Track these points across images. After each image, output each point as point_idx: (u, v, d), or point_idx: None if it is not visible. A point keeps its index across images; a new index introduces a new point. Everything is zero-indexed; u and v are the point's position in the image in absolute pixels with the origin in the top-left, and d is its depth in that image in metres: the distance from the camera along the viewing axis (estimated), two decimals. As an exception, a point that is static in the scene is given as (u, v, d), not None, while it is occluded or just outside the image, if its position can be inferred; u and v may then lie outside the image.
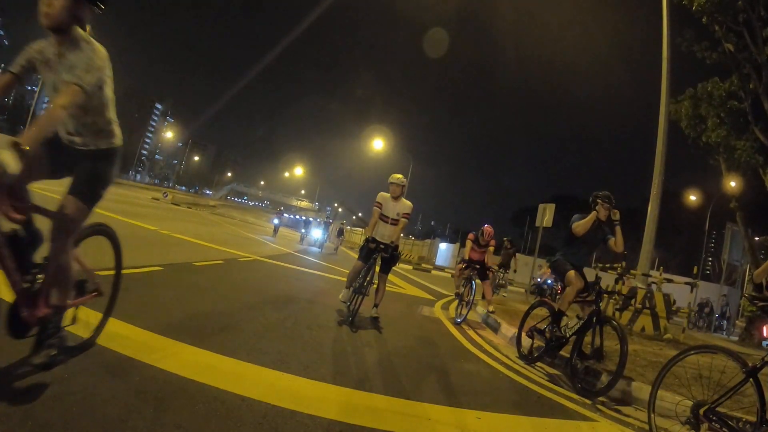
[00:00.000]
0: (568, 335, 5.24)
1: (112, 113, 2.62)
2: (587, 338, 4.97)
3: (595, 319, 4.93)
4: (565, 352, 5.34)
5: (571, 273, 5.33)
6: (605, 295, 5.36)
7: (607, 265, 11.78)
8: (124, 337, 3.28)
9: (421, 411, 3.27)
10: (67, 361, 2.57)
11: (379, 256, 6.14)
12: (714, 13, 13.52)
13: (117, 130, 2.67)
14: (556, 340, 5.33)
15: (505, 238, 15.78)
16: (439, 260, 34.56)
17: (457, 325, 7.58)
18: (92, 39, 2.41)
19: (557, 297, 11.17)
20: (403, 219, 6.26)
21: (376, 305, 6.31)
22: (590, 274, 5.90)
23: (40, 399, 2.18)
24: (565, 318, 5.43)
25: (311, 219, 35.31)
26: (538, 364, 5.62)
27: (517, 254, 15.82)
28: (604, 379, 4.75)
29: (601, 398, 4.54)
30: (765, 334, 12.13)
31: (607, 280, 7.53)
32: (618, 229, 5.29)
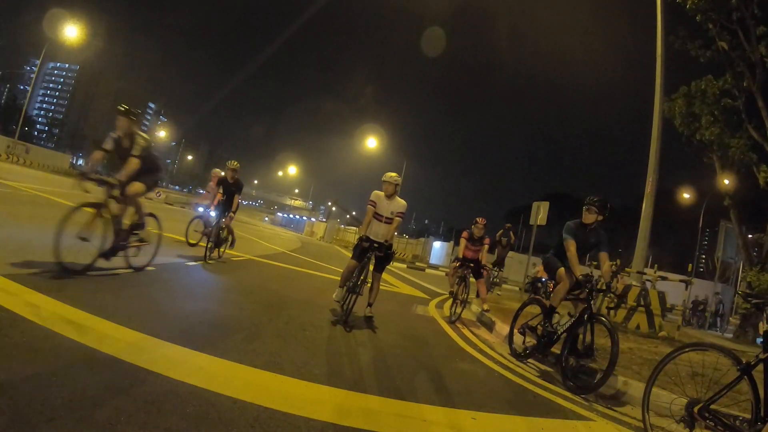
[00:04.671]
0: (559, 332, 5.25)
1: None
2: (579, 335, 4.97)
3: (586, 316, 4.93)
4: (557, 349, 5.33)
5: (562, 270, 5.34)
6: (602, 293, 5.35)
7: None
8: (114, 338, 3.24)
9: (416, 412, 3.25)
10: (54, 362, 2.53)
11: (373, 254, 6.10)
12: (708, 11, 13.58)
13: None
14: (547, 337, 5.34)
15: (507, 224, 15.69)
16: (433, 259, 34.50)
17: (451, 323, 7.56)
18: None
19: (550, 294, 11.18)
20: (397, 218, 6.21)
21: (370, 304, 6.28)
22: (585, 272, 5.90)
23: (28, 402, 2.14)
24: (556, 315, 5.44)
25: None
26: (531, 361, 5.62)
27: (510, 243, 15.79)
28: (596, 376, 4.75)
29: (597, 397, 4.53)
30: (760, 331, 12.19)
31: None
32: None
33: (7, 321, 3.05)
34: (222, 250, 9.28)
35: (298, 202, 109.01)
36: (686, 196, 34.29)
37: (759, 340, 12.58)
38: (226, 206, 9.19)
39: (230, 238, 9.60)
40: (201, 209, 10.56)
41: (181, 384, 2.74)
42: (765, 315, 3.18)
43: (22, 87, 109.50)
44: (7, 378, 2.33)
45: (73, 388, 2.38)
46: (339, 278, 6.30)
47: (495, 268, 15.09)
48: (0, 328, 2.92)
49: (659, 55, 11.18)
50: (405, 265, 23.63)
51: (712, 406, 3.14)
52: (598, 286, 4.99)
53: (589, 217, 5.37)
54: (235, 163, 9.38)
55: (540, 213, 13.19)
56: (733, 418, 3.25)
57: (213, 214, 9.27)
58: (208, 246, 8.49)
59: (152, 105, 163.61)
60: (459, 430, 3.12)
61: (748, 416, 3.11)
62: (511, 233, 15.50)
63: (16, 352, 2.66)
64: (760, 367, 3.00)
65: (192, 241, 9.76)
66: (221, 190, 9.26)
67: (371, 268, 6.22)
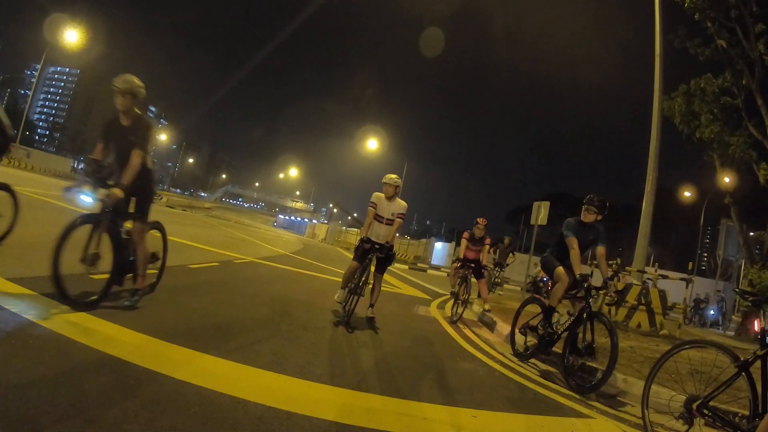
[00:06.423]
0: (559, 331, 5.28)
1: None
2: (579, 334, 5.00)
3: (585, 315, 4.96)
4: (558, 348, 5.36)
5: (560, 269, 5.37)
6: (601, 291, 5.37)
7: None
8: (119, 340, 3.28)
9: (417, 410, 3.28)
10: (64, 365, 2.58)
11: (374, 256, 6.13)
12: (706, 9, 13.63)
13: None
14: (548, 337, 5.37)
15: (506, 237, 15.81)
16: (435, 259, 34.50)
17: (453, 324, 7.59)
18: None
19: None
20: (398, 219, 6.25)
21: (371, 305, 6.30)
22: (586, 271, 5.93)
23: (36, 403, 2.18)
24: (556, 314, 5.47)
25: None
26: (533, 360, 5.65)
27: (514, 252, 15.87)
28: (597, 374, 4.78)
29: (598, 395, 4.56)
30: (756, 329, 12.21)
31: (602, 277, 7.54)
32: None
33: (14, 324, 3.10)
34: (144, 277, 4.47)
35: (300, 204, 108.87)
36: (687, 194, 34.25)
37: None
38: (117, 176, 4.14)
39: (141, 257, 4.42)
40: None
41: (186, 384, 2.79)
42: (762, 312, 3.21)
43: (23, 92, 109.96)
44: (16, 379, 2.37)
45: (80, 390, 2.42)
46: (340, 280, 6.33)
47: (496, 269, 15.13)
48: (8, 331, 2.96)
49: (658, 54, 11.20)
50: (407, 266, 23.65)
51: (711, 403, 3.18)
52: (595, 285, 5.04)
53: (589, 216, 5.40)
54: (134, 80, 4.16)
55: (541, 213, 13.22)
56: (732, 414, 3.28)
57: (87, 199, 4.01)
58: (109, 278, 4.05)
59: (153, 108, 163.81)
60: (460, 427, 3.15)
61: (747, 413, 3.14)
62: (510, 252, 15.58)
63: (24, 354, 2.70)
64: (758, 363, 3.04)
65: None
66: (108, 143, 4.33)
67: (372, 269, 6.26)
